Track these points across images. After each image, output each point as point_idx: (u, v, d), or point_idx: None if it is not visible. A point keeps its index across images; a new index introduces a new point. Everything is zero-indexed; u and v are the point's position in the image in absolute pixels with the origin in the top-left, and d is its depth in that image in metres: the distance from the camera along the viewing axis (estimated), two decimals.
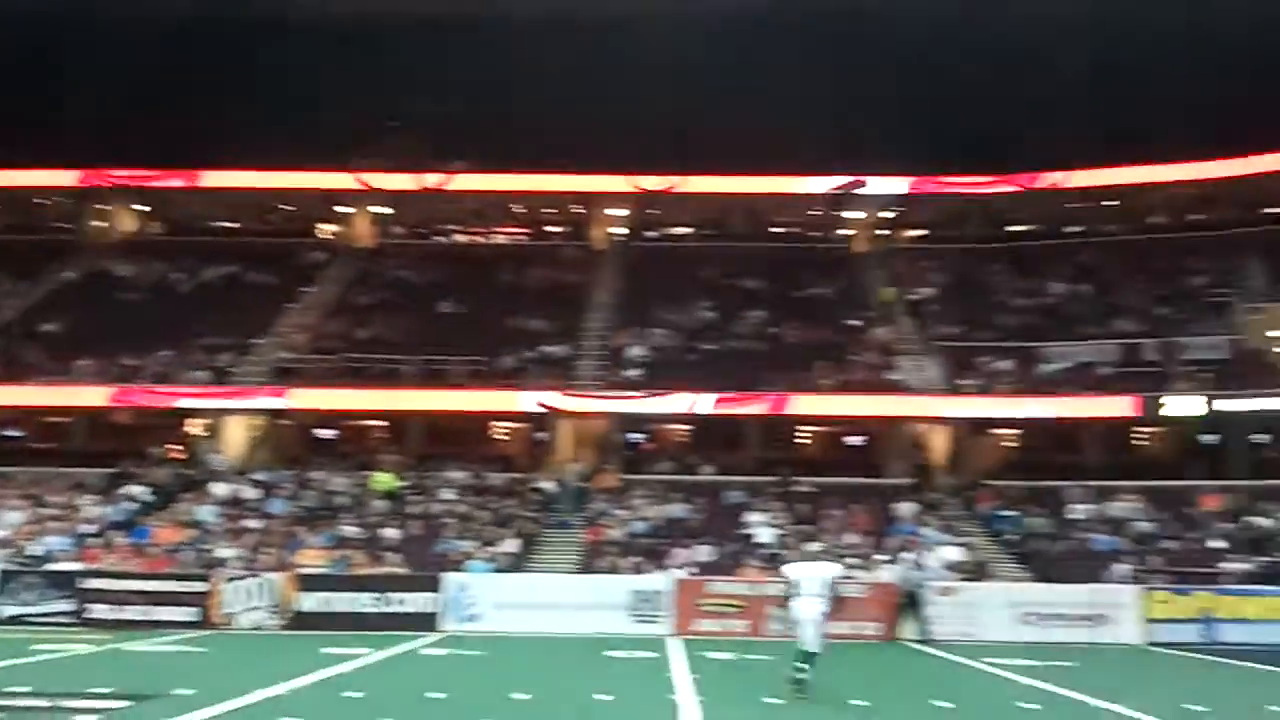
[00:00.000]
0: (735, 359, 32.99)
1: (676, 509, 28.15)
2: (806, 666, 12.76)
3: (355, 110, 38.84)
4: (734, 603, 22.05)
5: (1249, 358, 32.26)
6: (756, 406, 30.63)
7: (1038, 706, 12.54)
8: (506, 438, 34.14)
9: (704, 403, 30.38)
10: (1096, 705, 12.64)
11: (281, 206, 42.56)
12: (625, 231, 42.10)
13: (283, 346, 33.47)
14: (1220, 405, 29.73)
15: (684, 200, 40.97)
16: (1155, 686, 15.72)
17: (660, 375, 31.59)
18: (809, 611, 13.10)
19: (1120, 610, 21.95)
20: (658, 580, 22.75)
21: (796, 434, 34.64)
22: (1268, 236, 36.52)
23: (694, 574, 23.60)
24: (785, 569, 14.58)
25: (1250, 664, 18.25)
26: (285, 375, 31.40)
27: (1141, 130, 36.78)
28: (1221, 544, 25.93)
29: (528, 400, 30.61)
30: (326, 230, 42.65)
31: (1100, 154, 37.97)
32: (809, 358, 32.30)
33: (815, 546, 24.96)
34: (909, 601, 21.80)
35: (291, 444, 32.43)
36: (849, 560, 24.19)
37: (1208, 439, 32.00)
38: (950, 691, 14.03)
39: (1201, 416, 30.18)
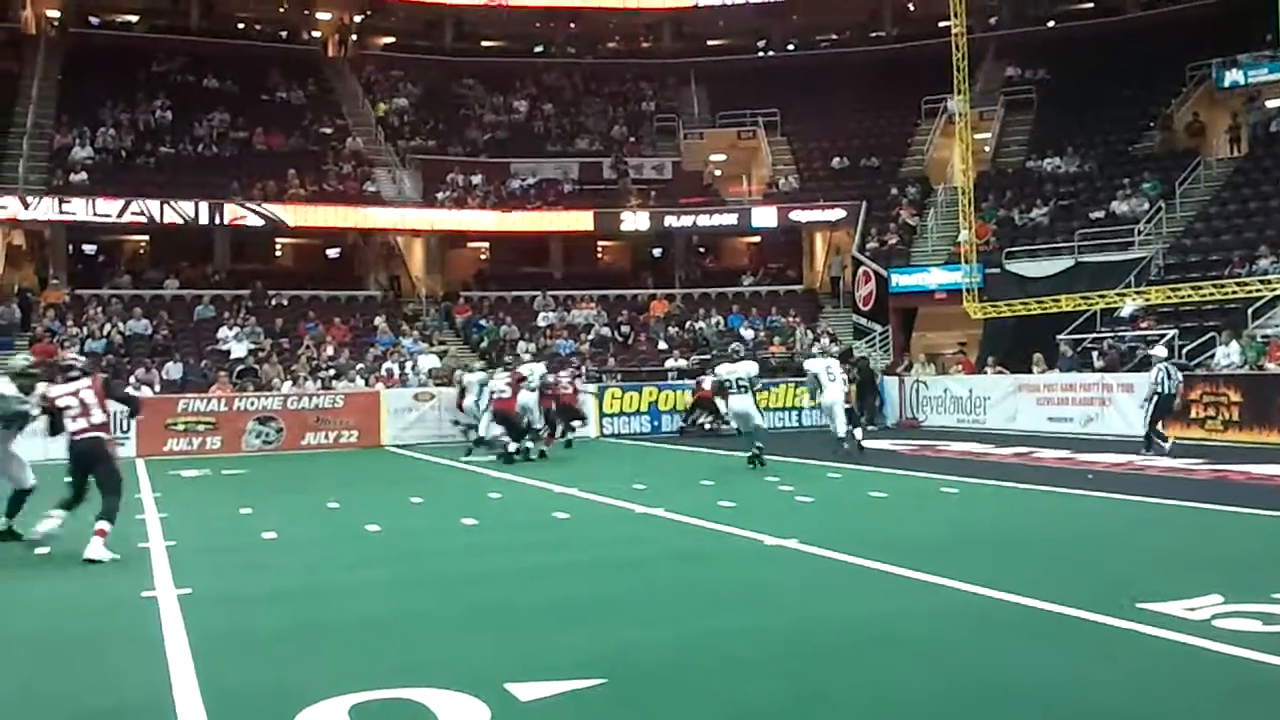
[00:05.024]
0: (197, 164, 30.86)
1: (139, 325, 26.28)
2: None
3: None
4: (206, 420, 21.39)
5: (689, 178, 35.76)
6: (224, 216, 28.97)
7: (499, 495, 13.72)
8: None
9: (164, 210, 28.20)
10: (547, 488, 14.16)
11: None
12: (59, 15, 36.91)
13: None
14: (666, 221, 32.87)
15: None
16: (603, 468, 17.63)
17: (111, 180, 28.81)
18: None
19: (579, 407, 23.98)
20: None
21: (270, 246, 33.48)
22: (708, 67, 40.06)
23: (157, 393, 22.29)
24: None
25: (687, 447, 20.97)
26: None
27: None
28: (664, 345, 29.07)
29: None
30: None
31: None
32: (280, 166, 30.98)
33: (297, 363, 24.60)
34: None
35: None
36: (329, 373, 24.23)
37: (655, 252, 35.46)
38: (424, 485, 15.15)
39: (650, 231, 33.21)
